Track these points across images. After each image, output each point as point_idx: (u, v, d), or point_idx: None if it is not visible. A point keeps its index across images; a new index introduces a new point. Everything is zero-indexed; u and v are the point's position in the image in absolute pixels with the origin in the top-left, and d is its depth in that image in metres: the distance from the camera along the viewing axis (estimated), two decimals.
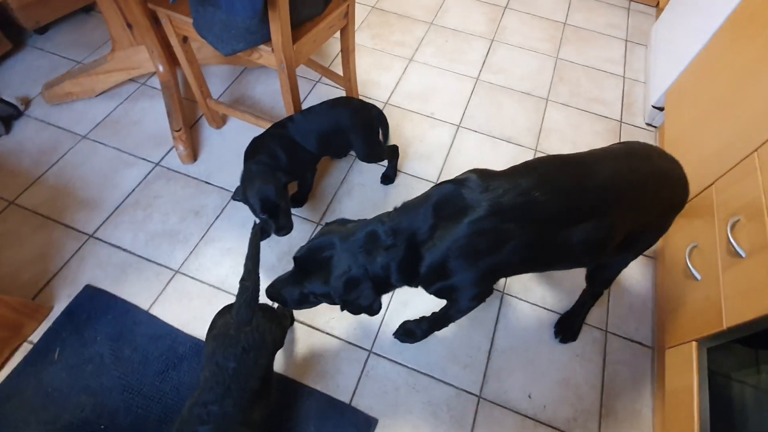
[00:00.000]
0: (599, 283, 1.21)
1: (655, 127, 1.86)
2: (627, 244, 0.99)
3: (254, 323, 0.92)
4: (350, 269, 0.89)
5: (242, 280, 0.93)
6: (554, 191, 0.85)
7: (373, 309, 0.95)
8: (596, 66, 2.08)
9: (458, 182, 0.90)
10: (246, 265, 0.93)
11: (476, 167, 0.94)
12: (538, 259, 0.92)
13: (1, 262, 1.33)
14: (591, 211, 0.87)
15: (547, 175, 0.87)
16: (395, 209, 0.94)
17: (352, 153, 1.52)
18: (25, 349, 1.20)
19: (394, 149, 1.55)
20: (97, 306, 1.27)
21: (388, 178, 1.59)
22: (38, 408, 1.11)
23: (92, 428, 1.10)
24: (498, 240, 0.84)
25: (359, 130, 1.36)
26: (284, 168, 1.28)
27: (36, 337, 1.22)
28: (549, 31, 2.22)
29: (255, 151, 1.30)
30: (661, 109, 1.79)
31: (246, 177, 1.25)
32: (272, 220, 1.23)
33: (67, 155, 1.58)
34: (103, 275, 1.33)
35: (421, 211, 0.88)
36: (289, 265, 1.00)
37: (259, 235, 0.96)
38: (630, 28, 2.28)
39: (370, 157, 1.47)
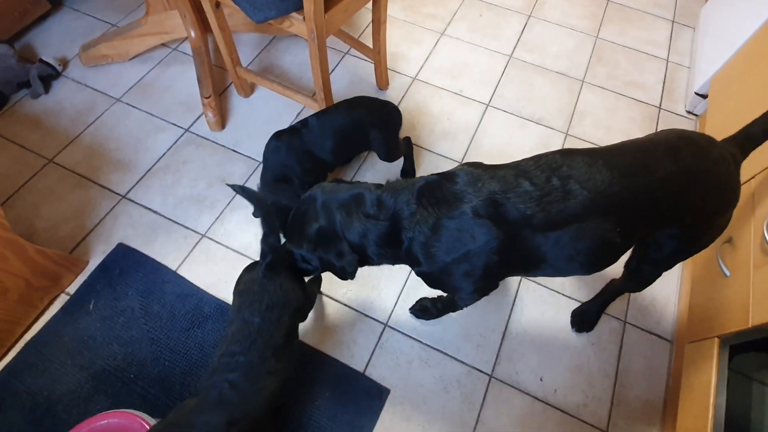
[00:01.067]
0: (634, 282, 1.12)
1: (696, 115, 1.77)
2: (652, 253, 0.93)
3: (278, 282, 0.94)
4: (323, 222, 0.86)
5: (264, 237, 0.93)
6: (528, 193, 0.78)
7: (347, 271, 0.90)
8: (638, 48, 1.97)
9: (445, 175, 0.86)
10: (263, 224, 0.93)
11: (472, 160, 0.90)
12: (514, 262, 0.85)
13: (42, 217, 1.41)
14: (572, 217, 0.78)
15: (529, 173, 0.80)
16: (387, 183, 0.90)
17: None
18: (63, 299, 1.28)
19: (407, 142, 1.47)
20: (129, 263, 1.33)
21: (408, 173, 1.53)
22: (74, 353, 1.20)
23: (123, 375, 1.17)
24: (471, 238, 0.80)
25: (380, 129, 1.32)
26: (300, 180, 1.30)
27: (73, 288, 1.29)
28: (591, 9, 2.10)
29: (273, 164, 1.30)
30: (704, 96, 1.69)
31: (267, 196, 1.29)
32: None
33: (102, 117, 1.63)
34: (135, 234, 1.39)
35: (406, 194, 0.85)
36: None
37: (257, 196, 0.95)
38: (678, 8, 2.14)
39: (391, 157, 1.42)
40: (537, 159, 0.84)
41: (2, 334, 1.18)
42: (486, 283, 0.95)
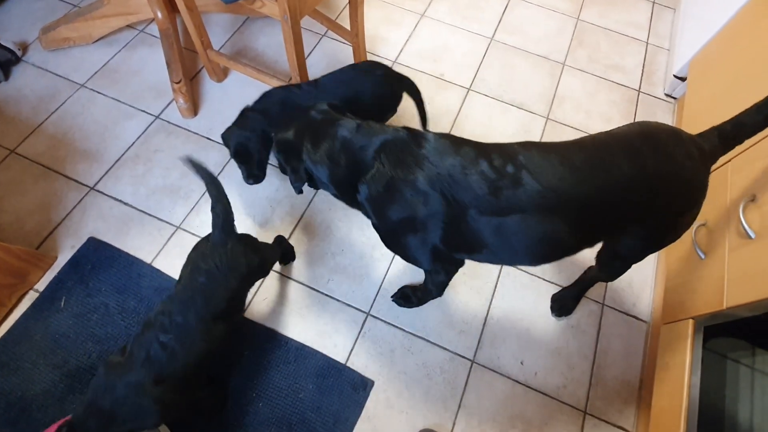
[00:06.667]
0: (606, 274, 1.13)
1: (674, 98, 1.78)
2: (619, 249, 0.94)
3: (229, 246, 0.96)
4: (292, 138, 0.94)
5: (212, 208, 0.95)
6: (483, 173, 0.79)
7: (293, 185, 1.00)
8: (619, 30, 1.96)
9: (415, 136, 0.86)
10: (210, 193, 0.95)
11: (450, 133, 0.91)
12: (458, 240, 0.87)
13: (5, 211, 1.34)
14: (517, 206, 0.78)
15: (490, 155, 0.81)
16: (366, 126, 0.91)
17: None
18: (32, 296, 1.23)
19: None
20: (101, 258, 1.29)
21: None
22: (47, 352, 1.16)
23: None
24: (420, 204, 0.83)
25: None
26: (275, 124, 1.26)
27: (42, 285, 1.24)
28: None
29: (259, 100, 1.29)
30: (683, 79, 1.70)
31: (235, 121, 1.28)
32: (243, 166, 1.28)
33: (65, 104, 1.55)
34: (106, 227, 1.34)
35: (373, 145, 0.87)
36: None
37: (199, 164, 0.96)
38: None
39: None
40: (500, 145, 0.84)
41: None
42: (440, 259, 0.95)
